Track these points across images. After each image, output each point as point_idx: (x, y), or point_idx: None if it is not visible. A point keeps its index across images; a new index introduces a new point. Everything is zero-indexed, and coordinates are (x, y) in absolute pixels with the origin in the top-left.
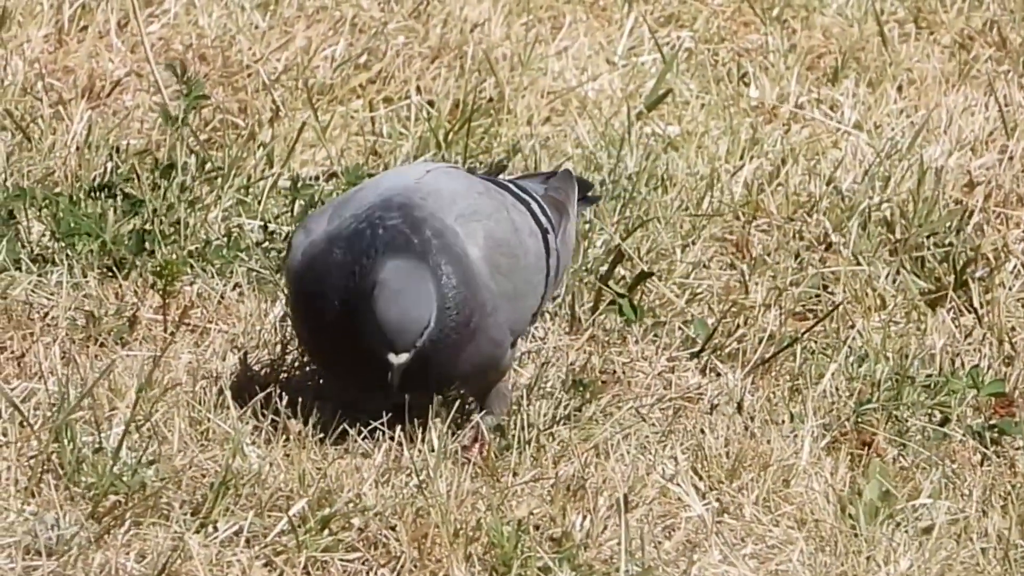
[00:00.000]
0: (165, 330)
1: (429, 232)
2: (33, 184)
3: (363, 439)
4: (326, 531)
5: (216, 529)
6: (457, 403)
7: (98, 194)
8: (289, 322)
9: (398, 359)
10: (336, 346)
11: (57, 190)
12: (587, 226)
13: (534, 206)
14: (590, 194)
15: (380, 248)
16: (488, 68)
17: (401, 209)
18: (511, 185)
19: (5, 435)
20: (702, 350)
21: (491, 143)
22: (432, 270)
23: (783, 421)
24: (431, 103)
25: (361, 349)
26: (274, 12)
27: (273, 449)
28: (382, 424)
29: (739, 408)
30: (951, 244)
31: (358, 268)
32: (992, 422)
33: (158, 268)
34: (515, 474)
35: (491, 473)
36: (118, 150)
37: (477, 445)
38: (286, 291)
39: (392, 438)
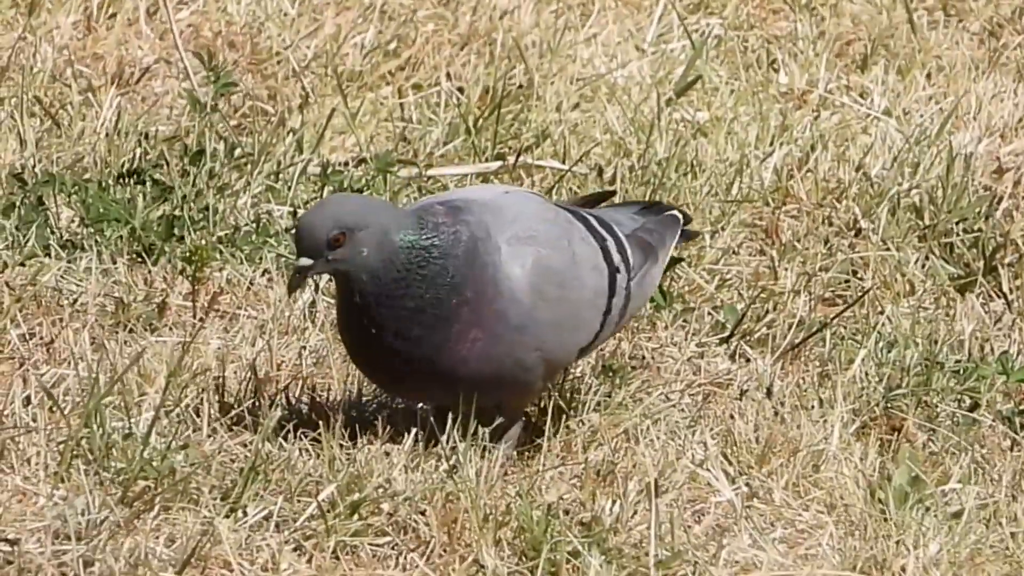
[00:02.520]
0: (194, 316)
1: (462, 225)
2: (63, 170)
3: (393, 426)
4: (355, 516)
5: (246, 514)
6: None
7: (127, 180)
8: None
9: (299, 262)
10: (371, 341)
11: (86, 176)
12: None
13: (610, 243)
14: (687, 228)
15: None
16: (518, 55)
17: (450, 208)
18: (591, 218)
19: (35, 420)
20: (731, 336)
21: (520, 129)
22: (422, 223)
23: (812, 406)
24: (461, 90)
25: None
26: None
27: (302, 434)
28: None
29: (768, 393)
30: (980, 230)
31: None
32: (1022, 407)
33: (187, 254)
34: (545, 459)
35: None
36: (147, 136)
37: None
38: None
39: (423, 425)
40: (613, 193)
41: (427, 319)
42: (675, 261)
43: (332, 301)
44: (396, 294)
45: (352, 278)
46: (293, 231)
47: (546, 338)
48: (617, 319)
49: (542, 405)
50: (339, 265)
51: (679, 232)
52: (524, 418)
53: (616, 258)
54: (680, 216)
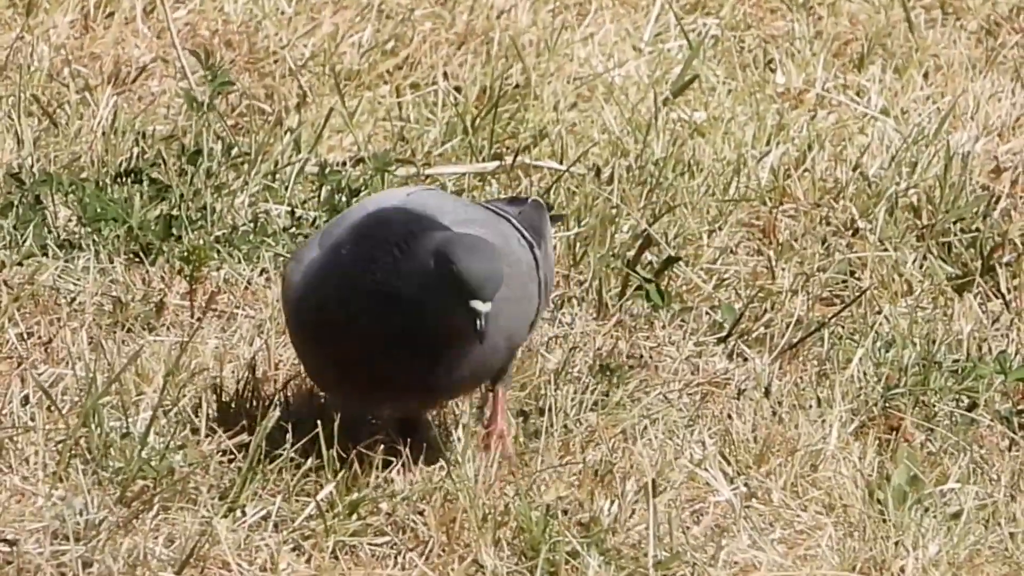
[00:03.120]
0: (192, 315)
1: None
2: (60, 169)
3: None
4: (354, 515)
5: (244, 514)
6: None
7: (124, 179)
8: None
9: (485, 307)
10: (366, 346)
11: (83, 175)
12: (613, 211)
13: (515, 222)
14: (553, 213)
15: (414, 230)
16: (515, 54)
17: (400, 211)
18: (488, 205)
19: (33, 420)
20: (729, 335)
21: (518, 128)
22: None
23: (811, 406)
24: (458, 89)
25: (404, 337)
26: None
27: (300, 433)
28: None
29: (766, 393)
30: (978, 229)
31: (396, 249)
32: (1020, 407)
33: (185, 253)
34: (543, 459)
35: (518, 465)
36: (144, 136)
37: (497, 436)
38: (286, 320)
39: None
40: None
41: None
42: (672, 260)
43: None
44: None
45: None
46: (478, 277)
47: (505, 314)
48: (544, 292)
49: (539, 405)
50: None
51: (548, 215)
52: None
53: (528, 234)
54: (543, 203)
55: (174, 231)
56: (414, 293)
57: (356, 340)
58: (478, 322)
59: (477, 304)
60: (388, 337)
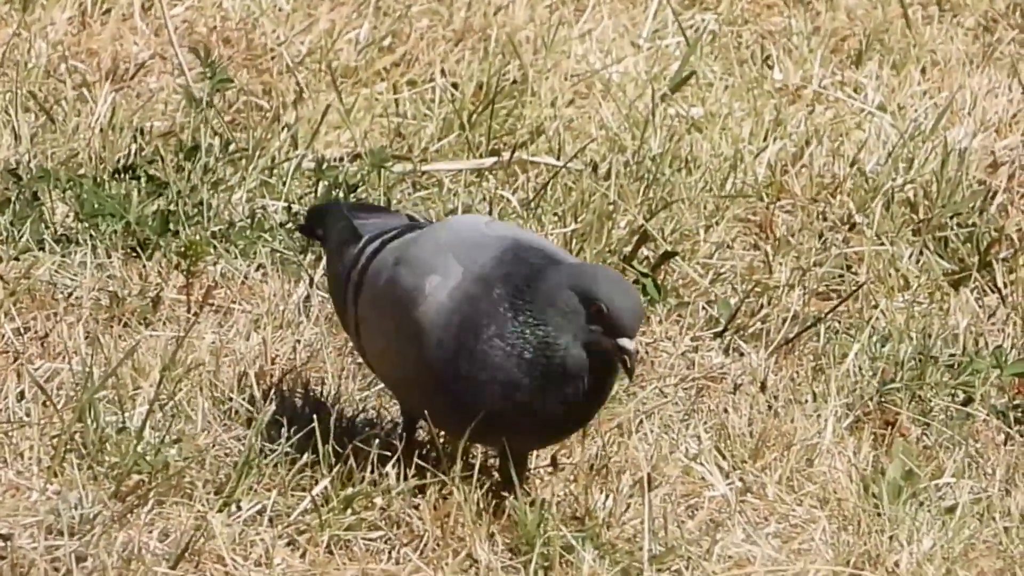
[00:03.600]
0: (188, 310)
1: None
2: (57, 165)
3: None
4: (349, 510)
5: (239, 508)
6: None
7: (122, 175)
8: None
9: (633, 344)
10: (515, 389)
11: (81, 171)
12: (611, 207)
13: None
14: None
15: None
16: (512, 51)
17: (527, 246)
18: None
19: (29, 415)
20: (725, 330)
21: (515, 125)
22: None
23: (806, 401)
24: (455, 85)
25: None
26: None
27: (296, 428)
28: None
29: (762, 388)
30: (974, 224)
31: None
32: (1016, 402)
33: (182, 249)
34: (538, 454)
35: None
36: (142, 132)
37: None
38: (420, 347)
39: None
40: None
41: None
42: (669, 255)
43: (325, 296)
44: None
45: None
46: (637, 314)
47: None
48: None
49: None
50: None
51: None
52: None
53: None
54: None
55: (171, 226)
56: (558, 335)
57: (511, 382)
58: (627, 359)
59: (625, 342)
60: (538, 380)
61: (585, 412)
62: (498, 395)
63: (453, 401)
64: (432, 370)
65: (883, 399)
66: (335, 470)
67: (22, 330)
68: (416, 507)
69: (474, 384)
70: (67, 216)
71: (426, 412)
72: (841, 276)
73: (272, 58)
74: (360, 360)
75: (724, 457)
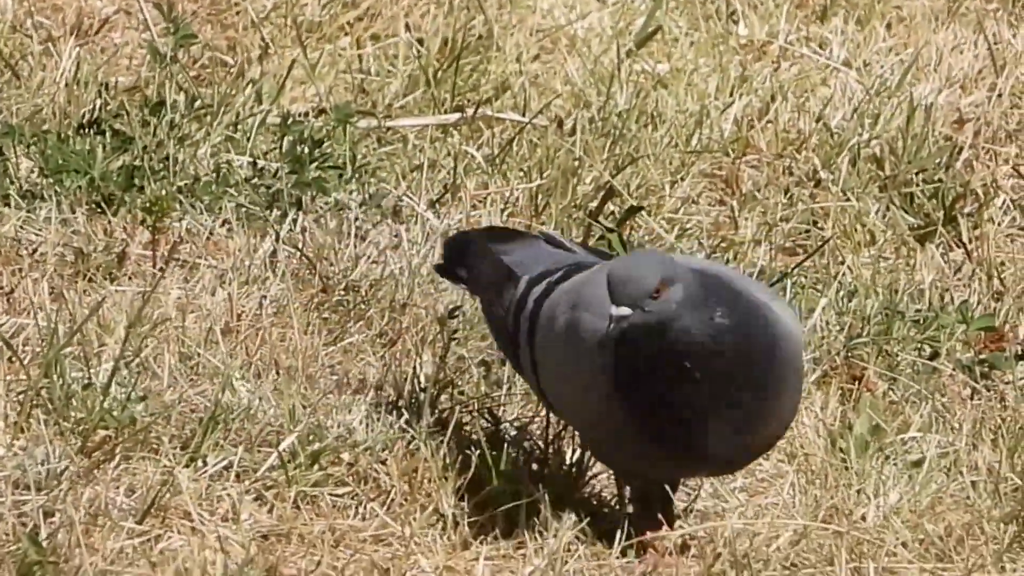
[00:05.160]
0: (154, 266)
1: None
2: (22, 121)
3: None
4: (316, 466)
5: (206, 464)
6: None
7: (87, 131)
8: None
9: (618, 311)
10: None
11: (45, 127)
12: (576, 163)
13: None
14: None
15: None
16: (477, 5)
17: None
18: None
19: None
20: None
21: (480, 81)
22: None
23: None
24: (420, 41)
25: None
26: None
27: (263, 384)
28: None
29: None
30: (940, 180)
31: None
32: (982, 356)
33: (147, 204)
34: (506, 409)
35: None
36: (107, 87)
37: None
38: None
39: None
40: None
41: (726, 381)
42: (634, 210)
43: (292, 250)
44: (696, 360)
45: (658, 331)
46: (613, 280)
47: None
48: None
49: (501, 356)
50: (651, 317)
51: None
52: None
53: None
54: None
55: (136, 182)
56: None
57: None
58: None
59: (612, 308)
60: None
61: (754, 440)
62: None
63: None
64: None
65: (850, 354)
66: (301, 425)
67: None
68: (383, 463)
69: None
70: (32, 172)
71: (611, 453)
72: (807, 231)
73: (237, 13)
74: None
75: None
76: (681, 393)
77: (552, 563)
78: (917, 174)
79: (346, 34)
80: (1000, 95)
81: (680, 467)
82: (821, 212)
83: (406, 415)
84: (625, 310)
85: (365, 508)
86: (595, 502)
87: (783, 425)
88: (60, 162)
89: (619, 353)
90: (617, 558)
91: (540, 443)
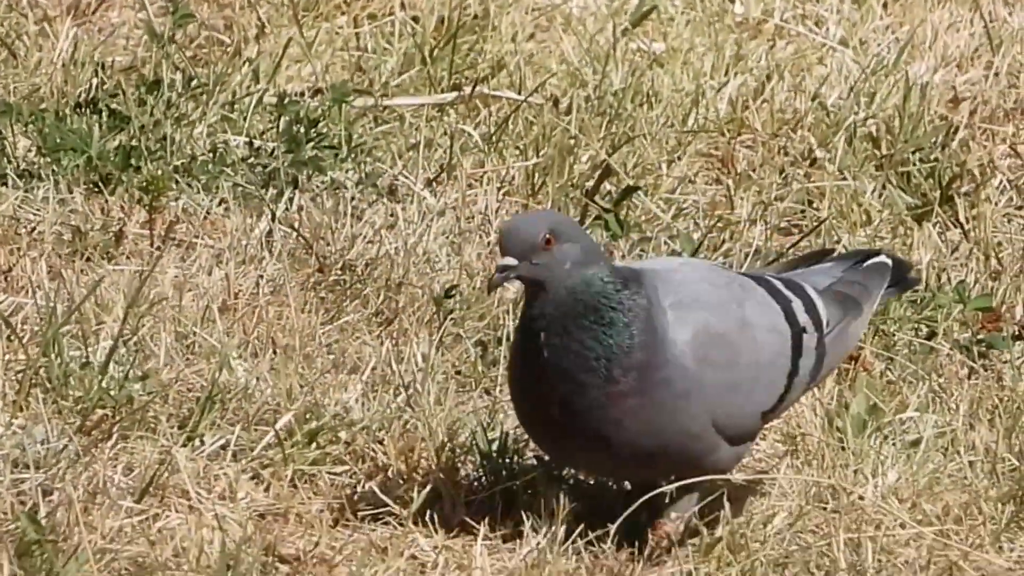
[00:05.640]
0: (151, 245)
1: (643, 289)
2: (19, 100)
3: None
4: (313, 445)
5: (203, 443)
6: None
7: (84, 110)
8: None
9: (503, 260)
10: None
11: (43, 106)
12: (572, 142)
13: (796, 304)
14: (911, 276)
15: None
16: None
17: (632, 271)
18: (776, 280)
19: None
20: None
21: (476, 60)
22: (615, 272)
23: None
24: (416, 19)
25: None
26: None
27: (260, 363)
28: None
29: None
30: (937, 160)
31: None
32: (979, 336)
33: (144, 183)
34: (500, 388)
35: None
36: (104, 67)
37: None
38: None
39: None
40: (831, 251)
41: (590, 370)
42: (631, 190)
43: (289, 230)
44: (574, 327)
45: (546, 289)
46: (501, 231)
47: (716, 404)
48: (808, 378)
49: (498, 335)
50: (539, 272)
51: (887, 279)
52: (699, 492)
53: (802, 318)
54: (889, 262)
55: (133, 161)
56: None
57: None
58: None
59: (499, 259)
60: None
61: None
62: None
63: None
64: None
65: None
66: (298, 405)
67: None
68: (380, 442)
69: None
70: (29, 150)
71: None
72: (803, 211)
73: None
74: None
75: None
76: (530, 372)
77: (550, 543)
78: (913, 153)
79: (343, 13)
80: (997, 74)
81: (569, 462)
82: (817, 192)
83: (403, 394)
84: (511, 260)
85: (363, 487)
86: (592, 482)
87: (679, 447)
88: (57, 141)
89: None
90: (614, 540)
91: None
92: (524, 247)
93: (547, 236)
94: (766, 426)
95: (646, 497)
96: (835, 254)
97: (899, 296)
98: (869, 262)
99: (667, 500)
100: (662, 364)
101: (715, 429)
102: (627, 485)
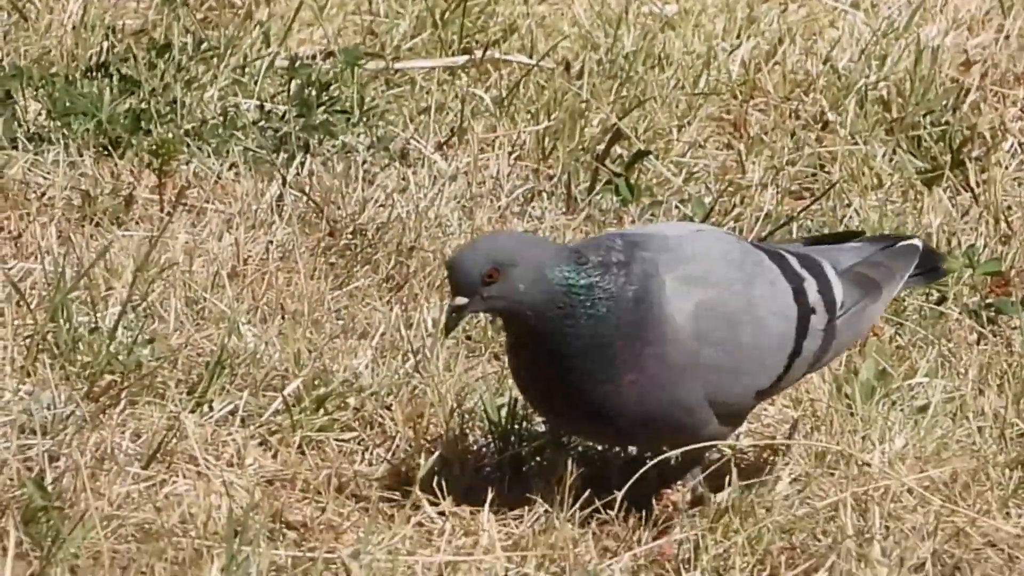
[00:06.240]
0: (161, 210)
1: (636, 262)
2: (30, 64)
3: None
4: (321, 411)
5: (211, 408)
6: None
7: (94, 74)
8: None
9: (454, 301)
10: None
11: (53, 70)
12: (583, 106)
13: (809, 283)
14: (942, 267)
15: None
16: None
17: (628, 242)
18: (793, 257)
19: (2, 315)
20: None
21: (487, 23)
22: (582, 260)
23: None
24: None
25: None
26: None
27: (269, 329)
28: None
29: None
30: (947, 123)
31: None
32: (988, 301)
33: (154, 147)
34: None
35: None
36: (114, 30)
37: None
38: None
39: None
40: (860, 233)
41: (592, 357)
42: (642, 154)
43: (299, 194)
44: (561, 331)
45: (513, 315)
46: (446, 269)
47: (712, 381)
48: (812, 359)
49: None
50: (495, 303)
51: (914, 263)
52: (700, 464)
53: (813, 298)
54: (919, 246)
55: (143, 125)
56: None
57: (527, 373)
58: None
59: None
60: (551, 371)
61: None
62: None
63: None
64: None
65: None
66: (307, 370)
67: None
68: (388, 408)
69: None
70: (39, 114)
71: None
72: (814, 175)
73: None
74: None
75: None
76: (526, 369)
77: (557, 510)
78: (924, 116)
79: None
80: (1008, 37)
81: (570, 430)
82: (828, 155)
83: (412, 360)
84: (461, 300)
85: (371, 453)
86: (600, 449)
87: (681, 420)
88: (67, 105)
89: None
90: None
91: None
92: (469, 285)
93: (488, 271)
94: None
95: (651, 464)
96: (866, 235)
97: (926, 284)
98: (898, 245)
99: (672, 466)
100: (658, 339)
101: (708, 405)
102: (632, 451)
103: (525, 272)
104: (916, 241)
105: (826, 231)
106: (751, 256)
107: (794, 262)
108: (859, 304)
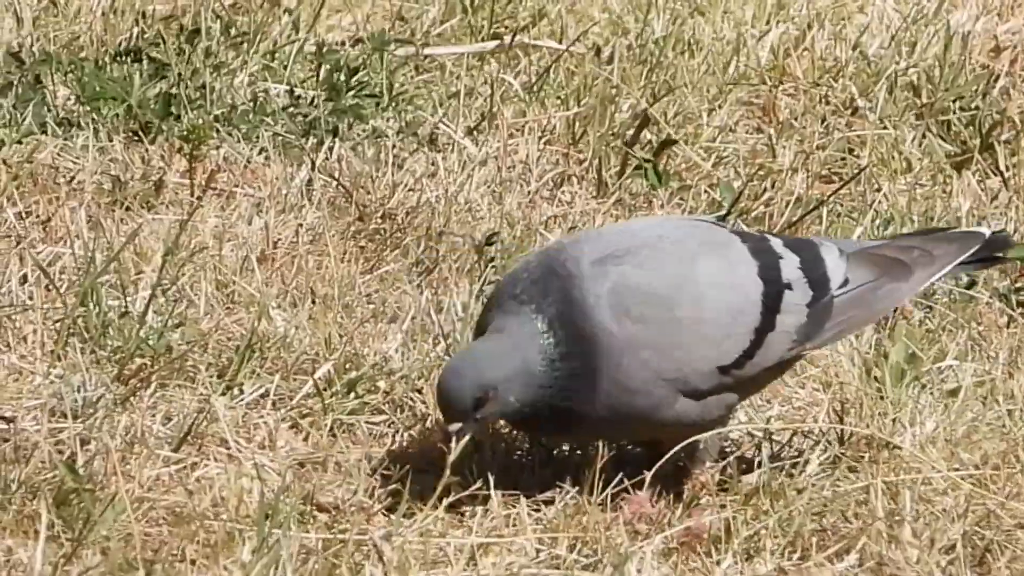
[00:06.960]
0: (191, 194)
1: (555, 278)
2: (59, 49)
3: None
4: (352, 394)
5: (242, 392)
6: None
7: (124, 59)
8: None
9: (451, 427)
10: None
11: (83, 55)
12: (613, 91)
13: (787, 261)
14: (1008, 254)
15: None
16: None
17: (548, 254)
18: (775, 240)
19: (32, 299)
20: (728, 213)
21: (517, 8)
22: (531, 325)
23: None
24: None
25: None
26: None
27: (299, 312)
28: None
29: None
30: (977, 108)
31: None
32: (1018, 285)
33: (185, 132)
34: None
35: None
36: (144, 15)
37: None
38: None
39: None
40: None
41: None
42: (670, 142)
43: (329, 179)
44: (553, 400)
45: (509, 419)
46: (436, 397)
47: (652, 358)
48: (800, 336)
49: None
50: (491, 418)
51: (972, 250)
52: (708, 442)
53: (789, 274)
54: (986, 233)
55: (173, 110)
56: None
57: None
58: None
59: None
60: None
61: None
62: None
63: None
64: None
65: None
66: (338, 354)
67: (24, 214)
68: (419, 391)
69: None
70: (69, 99)
71: None
72: (844, 159)
73: None
74: None
75: None
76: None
77: (588, 493)
78: (954, 102)
79: None
80: None
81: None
82: (858, 140)
83: (442, 343)
84: (455, 425)
85: (402, 436)
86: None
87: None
88: (97, 89)
89: None
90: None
91: None
92: (462, 413)
93: (478, 397)
94: (803, 375)
95: (676, 448)
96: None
97: (985, 267)
98: (954, 231)
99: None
100: (589, 333)
101: (664, 384)
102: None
103: (513, 385)
104: (982, 229)
105: (855, 215)
106: (709, 237)
107: (776, 243)
108: (872, 283)
